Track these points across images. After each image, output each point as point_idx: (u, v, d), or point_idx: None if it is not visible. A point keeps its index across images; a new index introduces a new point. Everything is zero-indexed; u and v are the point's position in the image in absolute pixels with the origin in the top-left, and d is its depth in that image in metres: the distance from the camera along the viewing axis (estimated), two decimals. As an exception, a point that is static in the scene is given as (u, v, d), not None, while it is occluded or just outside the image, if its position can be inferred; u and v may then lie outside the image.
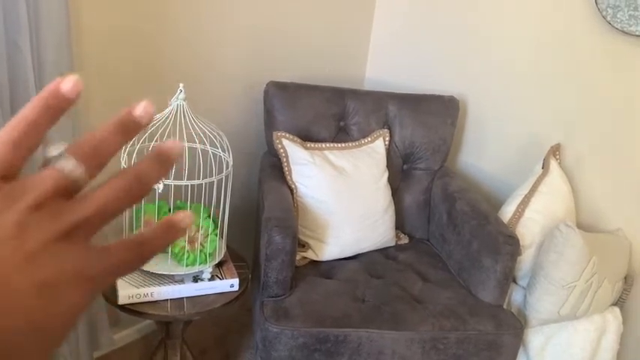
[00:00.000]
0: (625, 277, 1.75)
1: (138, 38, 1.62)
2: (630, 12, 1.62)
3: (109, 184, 0.28)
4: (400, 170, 2.01)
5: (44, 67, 1.33)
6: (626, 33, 1.65)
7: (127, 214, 1.47)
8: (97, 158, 0.29)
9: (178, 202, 1.52)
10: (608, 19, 1.67)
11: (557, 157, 1.85)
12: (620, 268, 1.71)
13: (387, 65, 2.39)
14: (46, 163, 0.28)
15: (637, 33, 1.62)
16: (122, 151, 1.41)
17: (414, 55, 2.29)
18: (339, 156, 1.81)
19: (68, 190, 0.27)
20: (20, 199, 0.26)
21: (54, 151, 0.28)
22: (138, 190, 0.29)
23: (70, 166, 0.27)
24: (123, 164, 1.40)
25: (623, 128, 1.73)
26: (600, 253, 1.60)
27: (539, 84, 1.93)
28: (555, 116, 1.90)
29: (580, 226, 1.79)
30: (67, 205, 0.27)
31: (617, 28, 1.67)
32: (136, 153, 1.39)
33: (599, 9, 1.69)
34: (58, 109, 0.29)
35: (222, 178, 1.47)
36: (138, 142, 1.40)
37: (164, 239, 0.30)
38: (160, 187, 1.33)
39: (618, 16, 1.65)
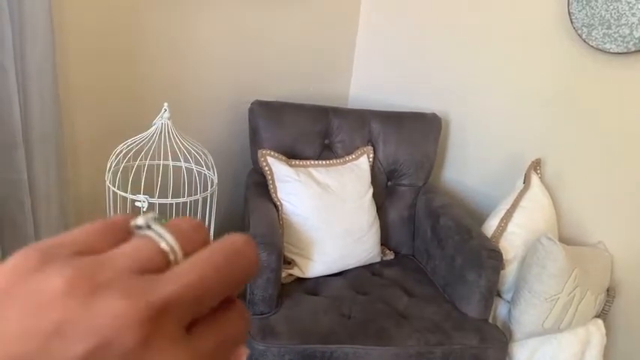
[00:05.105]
0: (607, 289, 1.78)
1: (123, 58, 1.64)
2: (604, 30, 1.67)
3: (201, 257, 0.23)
4: (385, 187, 2.03)
5: (28, 87, 1.34)
6: (601, 50, 1.70)
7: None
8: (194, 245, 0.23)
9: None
10: (584, 37, 1.72)
11: (538, 171, 1.88)
12: (602, 281, 1.73)
13: (371, 84, 2.43)
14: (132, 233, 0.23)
15: (611, 50, 1.67)
16: (107, 169, 1.42)
17: (398, 74, 2.33)
18: (323, 173, 1.82)
19: (155, 269, 0.22)
20: (105, 269, 0.20)
21: (140, 220, 0.23)
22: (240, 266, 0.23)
23: (165, 240, 0.22)
24: (108, 183, 1.40)
25: (602, 142, 1.77)
26: (582, 265, 1.63)
27: (519, 100, 1.97)
28: (535, 131, 1.94)
29: (562, 239, 1.82)
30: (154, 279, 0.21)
31: (592, 46, 1.72)
32: (121, 172, 1.40)
33: (574, 27, 1.74)
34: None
35: (207, 196, 1.48)
36: (123, 161, 1.40)
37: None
38: (144, 205, 1.33)
39: (593, 34, 1.70)
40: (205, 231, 0.24)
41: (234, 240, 0.23)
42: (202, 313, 0.22)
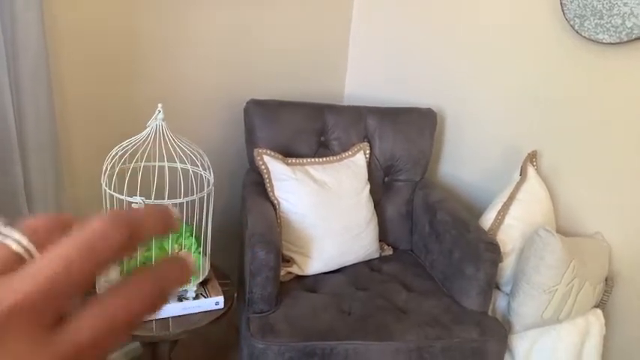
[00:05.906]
0: (606, 279, 1.78)
1: (116, 61, 1.64)
2: (596, 21, 1.67)
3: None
4: (382, 182, 2.04)
5: (22, 95, 1.34)
6: (594, 41, 1.70)
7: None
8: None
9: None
10: (576, 28, 1.72)
11: (535, 163, 1.88)
12: (600, 271, 1.73)
13: (366, 80, 2.43)
14: None
15: (604, 41, 1.67)
16: (102, 172, 1.42)
17: (392, 70, 2.33)
18: (320, 170, 1.83)
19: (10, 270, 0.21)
20: None
21: None
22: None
23: (13, 240, 0.22)
24: (104, 186, 1.41)
25: (597, 133, 1.78)
26: (580, 256, 1.63)
27: (513, 93, 1.98)
28: (531, 124, 1.94)
29: (559, 230, 1.82)
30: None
31: (585, 37, 1.72)
32: (117, 174, 1.40)
33: (566, 19, 1.74)
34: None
35: (203, 197, 1.48)
36: (118, 164, 1.41)
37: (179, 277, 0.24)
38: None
39: (585, 25, 1.70)
40: (62, 221, 0.23)
41: (95, 226, 0.22)
42: (68, 305, 0.21)
